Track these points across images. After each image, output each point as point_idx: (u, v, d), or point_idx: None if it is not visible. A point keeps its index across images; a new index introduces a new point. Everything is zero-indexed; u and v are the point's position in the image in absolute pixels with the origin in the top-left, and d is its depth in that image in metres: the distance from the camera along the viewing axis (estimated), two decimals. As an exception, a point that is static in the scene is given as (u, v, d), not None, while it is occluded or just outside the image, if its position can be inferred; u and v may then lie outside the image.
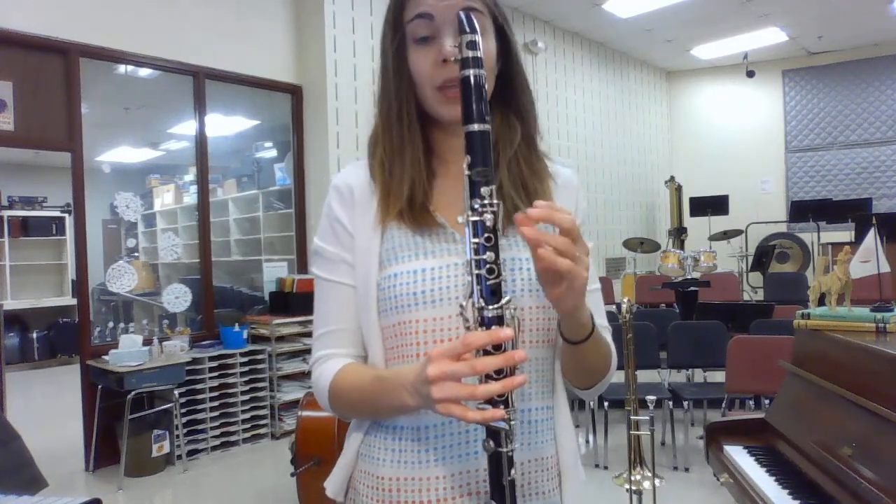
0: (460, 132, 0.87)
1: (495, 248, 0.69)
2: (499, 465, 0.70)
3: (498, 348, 0.67)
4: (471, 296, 0.69)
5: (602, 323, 0.91)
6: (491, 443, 0.69)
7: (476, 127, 0.70)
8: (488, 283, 0.68)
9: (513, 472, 0.70)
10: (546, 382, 0.89)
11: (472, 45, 0.70)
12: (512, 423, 0.69)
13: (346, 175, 0.93)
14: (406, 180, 0.87)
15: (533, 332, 0.86)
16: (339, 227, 0.90)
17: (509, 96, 0.91)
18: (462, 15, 0.71)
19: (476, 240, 0.69)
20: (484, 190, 0.69)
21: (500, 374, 0.67)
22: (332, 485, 0.92)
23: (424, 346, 0.83)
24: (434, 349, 0.68)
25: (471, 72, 0.70)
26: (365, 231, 0.88)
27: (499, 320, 0.68)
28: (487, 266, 0.68)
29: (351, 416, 0.92)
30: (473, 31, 0.70)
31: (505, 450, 0.69)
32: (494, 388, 0.66)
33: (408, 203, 0.86)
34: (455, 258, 0.85)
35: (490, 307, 0.68)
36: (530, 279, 0.85)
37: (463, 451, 0.83)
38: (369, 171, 0.91)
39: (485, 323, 0.68)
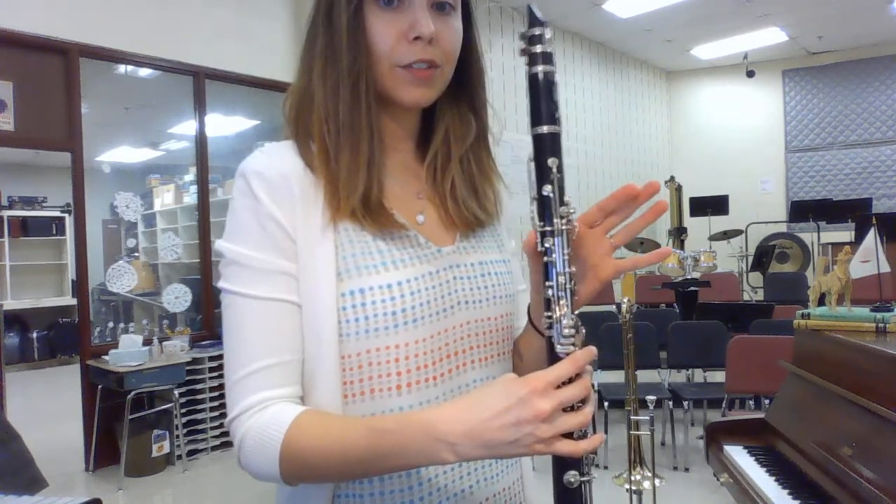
0: (406, 118, 0.79)
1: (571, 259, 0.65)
2: (581, 495, 0.63)
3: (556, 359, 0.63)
4: (565, 309, 0.64)
5: None
6: (576, 474, 0.62)
7: (557, 128, 0.65)
8: (574, 297, 0.65)
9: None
10: None
11: (542, 39, 0.64)
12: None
13: (272, 160, 0.72)
14: (361, 172, 0.71)
15: (505, 343, 0.80)
16: (274, 227, 0.69)
17: (464, 85, 0.79)
18: (531, 5, 0.64)
19: (567, 251, 0.64)
20: (567, 198, 0.65)
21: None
22: None
23: (406, 374, 0.70)
24: (532, 380, 0.58)
25: (540, 68, 0.64)
26: (311, 233, 0.70)
27: (578, 331, 0.65)
28: (573, 280, 0.65)
29: (319, 482, 0.70)
30: (543, 23, 0.63)
31: (588, 478, 0.64)
32: (592, 408, 0.61)
33: (363, 200, 0.71)
34: (428, 266, 0.74)
35: (574, 317, 0.64)
36: (502, 284, 0.80)
37: (458, 488, 0.73)
38: (301, 157, 0.73)
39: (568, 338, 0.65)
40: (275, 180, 0.70)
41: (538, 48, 0.64)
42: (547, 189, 0.64)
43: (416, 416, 0.62)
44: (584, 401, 0.61)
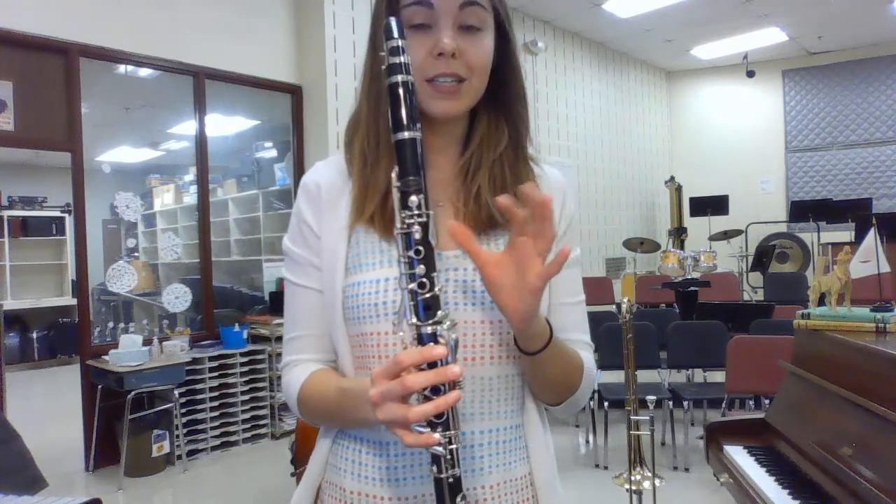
0: (445, 129, 0.85)
1: (427, 261, 0.66)
2: (441, 491, 0.67)
3: (434, 366, 0.63)
4: (405, 313, 0.66)
5: (580, 338, 0.88)
6: (434, 468, 0.67)
7: (406, 134, 0.67)
8: (421, 298, 0.65)
9: (459, 499, 0.67)
10: (514, 400, 0.84)
11: (397, 51, 0.67)
12: (452, 447, 0.66)
13: (315, 173, 0.89)
14: (385, 179, 0.80)
15: (497, 347, 0.81)
16: (306, 228, 0.86)
17: (501, 98, 0.86)
18: (390, 21, 0.68)
19: (407, 253, 0.66)
20: (412, 200, 0.66)
21: (439, 393, 0.64)
22: (299, 498, 0.87)
23: (385, 359, 0.77)
24: (375, 369, 0.66)
25: (399, 78, 0.67)
26: (332, 233, 0.84)
27: (435, 337, 0.65)
28: (419, 280, 0.65)
29: (321, 425, 0.89)
30: (401, 36, 0.67)
31: (444, 475, 0.66)
32: (427, 408, 0.62)
33: (381, 205, 0.81)
34: None
35: (424, 324, 0.65)
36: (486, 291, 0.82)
37: (424, 471, 0.79)
38: (347, 165, 0.86)
39: (422, 341, 0.65)
40: (311, 190, 0.87)
41: (395, 59, 0.67)
42: (396, 196, 0.68)
43: (363, 382, 0.73)
44: (437, 391, 0.63)
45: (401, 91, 0.67)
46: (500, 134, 0.85)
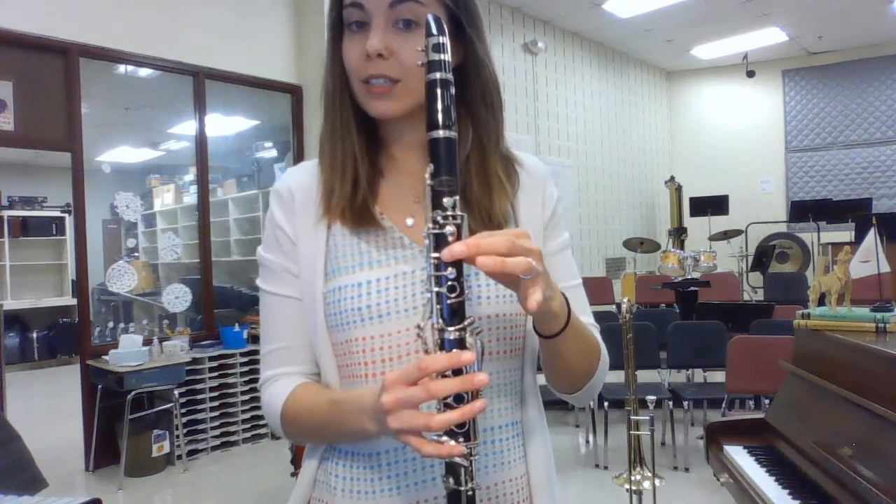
0: (409, 127, 0.82)
1: (458, 265, 0.62)
2: (458, 501, 0.64)
3: (458, 373, 0.60)
4: (430, 316, 0.63)
5: (587, 321, 0.85)
6: (450, 480, 0.63)
7: (441, 133, 0.64)
8: (449, 302, 0.62)
9: None
10: (513, 396, 0.83)
11: (438, 48, 0.64)
12: (473, 457, 0.62)
13: (287, 178, 0.86)
14: (348, 175, 0.80)
15: (496, 343, 0.80)
16: (281, 234, 0.83)
17: (463, 97, 0.81)
18: (430, 17, 0.66)
19: (436, 255, 0.62)
20: (447, 201, 0.63)
21: (459, 401, 0.60)
22: None
23: (372, 365, 0.78)
24: (388, 375, 0.62)
25: (437, 75, 0.65)
26: (307, 238, 0.81)
27: (460, 343, 0.61)
28: (449, 283, 0.62)
29: (307, 442, 0.86)
30: (441, 33, 0.65)
31: (464, 488, 0.63)
32: (452, 416, 0.59)
33: (349, 200, 0.79)
34: (404, 266, 0.79)
35: (450, 329, 0.62)
36: (486, 285, 0.79)
37: (419, 478, 0.77)
38: (319, 166, 0.84)
39: (444, 346, 0.61)
40: (284, 195, 0.84)
41: (435, 56, 0.65)
42: (427, 199, 0.64)
43: (356, 393, 0.73)
44: (461, 400, 0.60)
45: (438, 89, 0.64)
46: (465, 136, 0.81)
